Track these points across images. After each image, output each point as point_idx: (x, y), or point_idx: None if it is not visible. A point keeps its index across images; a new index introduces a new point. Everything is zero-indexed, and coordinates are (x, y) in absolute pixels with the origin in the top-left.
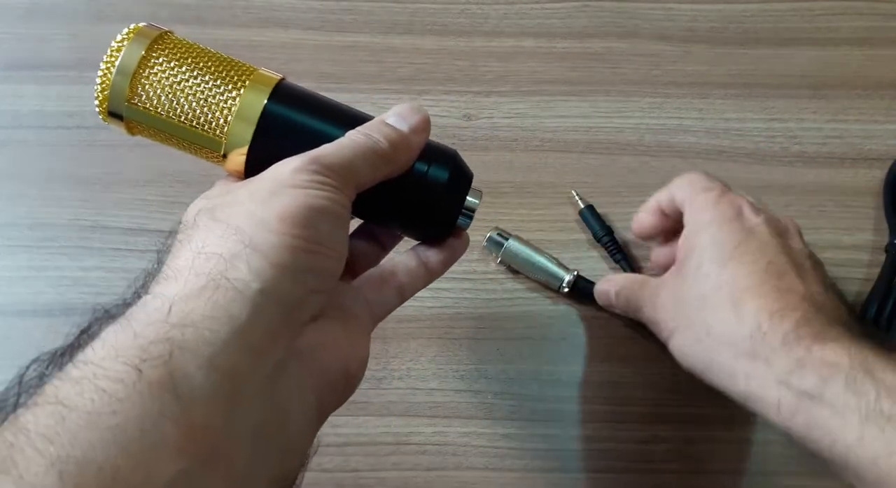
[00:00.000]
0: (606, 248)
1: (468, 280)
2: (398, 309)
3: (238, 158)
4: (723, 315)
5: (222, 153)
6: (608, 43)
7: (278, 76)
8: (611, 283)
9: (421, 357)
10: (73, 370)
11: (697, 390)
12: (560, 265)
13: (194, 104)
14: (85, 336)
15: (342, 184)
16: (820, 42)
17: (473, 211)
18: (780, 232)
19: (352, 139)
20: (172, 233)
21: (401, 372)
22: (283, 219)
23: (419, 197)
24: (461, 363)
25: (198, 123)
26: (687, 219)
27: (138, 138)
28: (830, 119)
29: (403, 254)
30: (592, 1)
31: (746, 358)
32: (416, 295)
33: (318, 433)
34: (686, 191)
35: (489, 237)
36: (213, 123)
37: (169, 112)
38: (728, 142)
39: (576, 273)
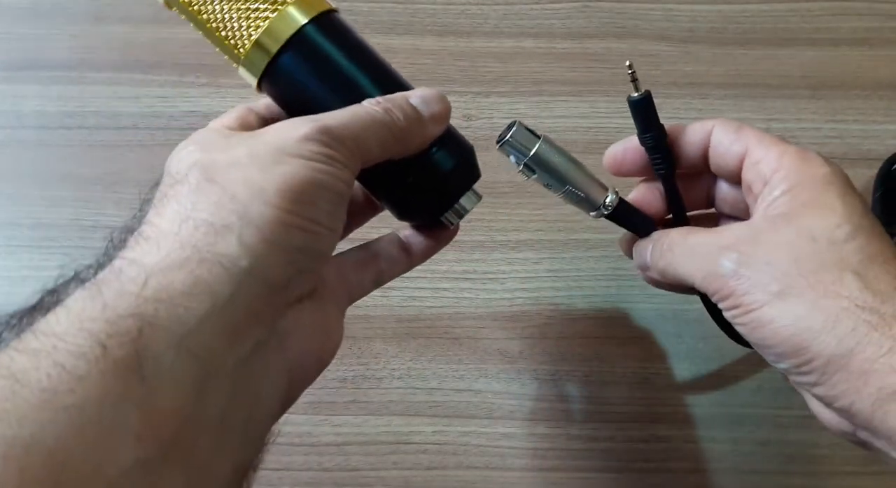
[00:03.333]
0: (652, 158)
1: (468, 280)
2: (398, 308)
3: (252, 74)
4: None
5: (238, 64)
6: (608, 43)
7: (330, 5)
8: (650, 239)
9: (421, 357)
10: (32, 340)
11: (697, 390)
12: (598, 182)
13: (225, 9)
14: (50, 298)
15: (348, 159)
16: (819, 42)
17: (466, 211)
18: None
19: (368, 112)
20: (157, 184)
21: (401, 372)
22: (282, 192)
23: (416, 178)
24: (461, 363)
25: (224, 34)
26: (771, 165)
27: (139, 139)
28: (829, 119)
29: (385, 239)
30: (592, 1)
31: None
32: (416, 295)
33: (317, 431)
34: (748, 134)
35: (513, 135)
36: (238, 35)
37: (200, 8)
38: None
39: (617, 192)
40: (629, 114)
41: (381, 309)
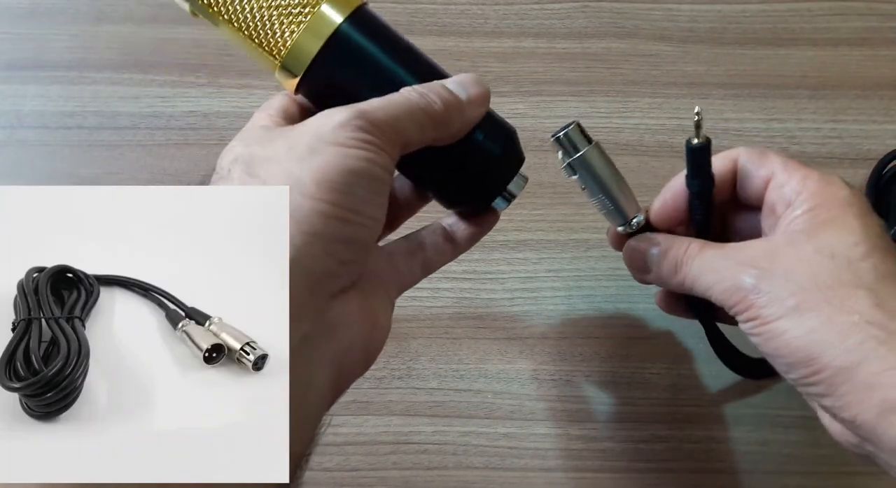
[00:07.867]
0: (692, 203)
1: (468, 280)
2: (398, 308)
3: (291, 77)
4: None
5: (275, 69)
6: (608, 43)
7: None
8: (650, 242)
9: (421, 357)
10: None
11: (696, 390)
12: (633, 200)
13: (258, 16)
14: None
15: (387, 144)
16: (819, 42)
17: (514, 196)
18: None
19: (404, 97)
20: (207, 178)
21: (401, 372)
22: (319, 182)
23: (466, 165)
24: (461, 363)
25: (259, 39)
26: (795, 187)
27: (138, 139)
28: (829, 119)
29: (430, 229)
30: (592, 1)
31: None
32: (416, 295)
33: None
34: (774, 159)
35: (566, 133)
36: (274, 41)
37: (231, 16)
38: (727, 143)
39: (647, 215)
40: (628, 114)
41: None
